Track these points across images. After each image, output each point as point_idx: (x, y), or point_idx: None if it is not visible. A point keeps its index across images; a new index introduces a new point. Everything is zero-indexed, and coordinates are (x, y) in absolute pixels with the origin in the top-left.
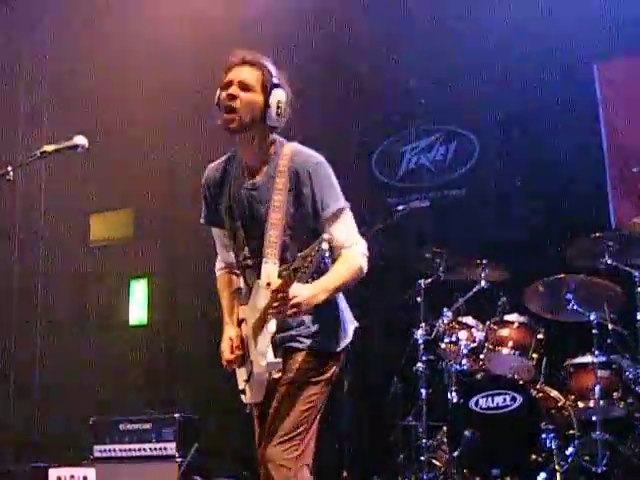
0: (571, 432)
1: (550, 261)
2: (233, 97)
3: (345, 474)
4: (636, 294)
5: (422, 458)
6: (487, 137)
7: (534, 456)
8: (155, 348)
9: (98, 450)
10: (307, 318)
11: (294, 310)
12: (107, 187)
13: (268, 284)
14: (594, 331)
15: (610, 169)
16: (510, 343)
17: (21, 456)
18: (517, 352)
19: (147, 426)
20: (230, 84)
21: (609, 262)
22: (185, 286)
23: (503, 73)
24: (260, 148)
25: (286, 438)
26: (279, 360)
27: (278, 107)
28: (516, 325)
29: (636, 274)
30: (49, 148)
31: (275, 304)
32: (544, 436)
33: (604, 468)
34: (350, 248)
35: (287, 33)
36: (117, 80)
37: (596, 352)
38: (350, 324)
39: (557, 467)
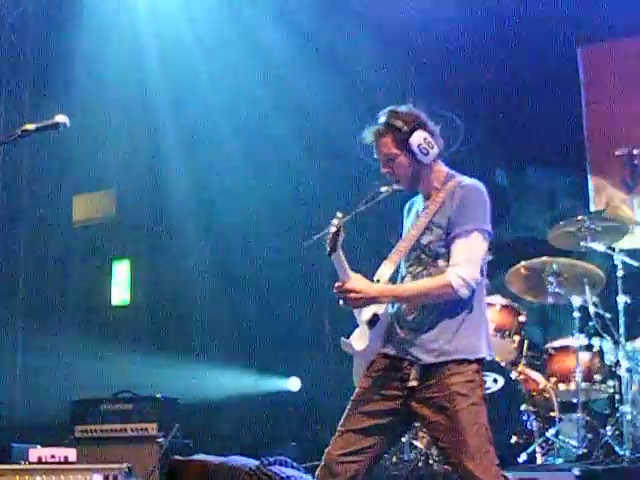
0: (552, 414)
1: (533, 244)
2: (389, 172)
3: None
4: (617, 277)
5: (403, 439)
6: (472, 122)
7: (515, 438)
8: (137, 328)
9: (79, 430)
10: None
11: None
12: (90, 168)
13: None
14: (575, 314)
15: (591, 152)
16: (492, 325)
17: (1, 436)
18: (499, 334)
19: (129, 407)
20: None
21: (591, 245)
22: (167, 266)
23: (487, 57)
24: (431, 181)
25: None
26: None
27: (421, 149)
28: (498, 307)
29: (617, 257)
30: (30, 127)
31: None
32: (525, 418)
33: (584, 450)
34: (452, 267)
35: None
36: (101, 61)
37: (577, 335)
38: None
39: (538, 449)
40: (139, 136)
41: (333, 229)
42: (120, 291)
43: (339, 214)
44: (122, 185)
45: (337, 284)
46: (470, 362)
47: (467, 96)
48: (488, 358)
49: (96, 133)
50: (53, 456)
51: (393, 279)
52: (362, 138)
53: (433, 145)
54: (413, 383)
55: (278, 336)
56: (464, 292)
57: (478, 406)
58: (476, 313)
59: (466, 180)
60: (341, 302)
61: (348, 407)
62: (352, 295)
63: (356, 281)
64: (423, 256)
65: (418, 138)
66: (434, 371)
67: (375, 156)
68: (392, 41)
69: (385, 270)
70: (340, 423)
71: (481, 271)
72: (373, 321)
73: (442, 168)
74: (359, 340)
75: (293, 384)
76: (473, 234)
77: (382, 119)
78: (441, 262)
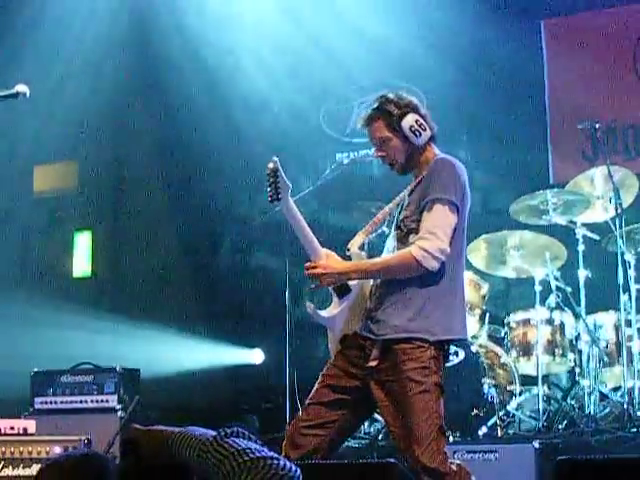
0: (512, 387)
1: (494, 218)
2: (382, 156)
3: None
4: (578, 251)
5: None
6: (435, 94)
7: (475, 410)
8: (99, 300)
9: (39, 402)
10: None
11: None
12: (52, 138)
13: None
14: (537, 287)
15: (552, 126)
16: None
17: None
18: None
19: (88, 378)
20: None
21: (552, 219)
22: (129, 238)
23: (450, 31)
24: (422, 163)
25: None
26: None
27: (414, 131)
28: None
29: (578, 231)
30: None
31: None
32: (486, 390)
33: (544, 423)
34: (416, 239)
35: None
36: (63, 29)
37: (538, 308)
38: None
39: (498, 421)
40: (103, 106)
41: (268, 172)
42: (81, 263)
43: (274, 158)
44: (84, 156)
45: (307, 264)
46: (428, 346)
47: (429, 69)
48: (460, 336)
49: (58, 103)
50: (12, 428)
51: (371, 252)
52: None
53: (425, 127)
54: (372, 363)
55: (241, 308)
56: (430, 264)
57: (430, 393)
58: (447, 291)
59: (445, 159)
60: (312, 285)
61: (318, 381)
62: (319, 271)
63: (324, 259)
64: (399, 232)
65: (410, 120)
66: (392, 352)
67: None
68: None
69: (357, 239)
70: (309, 396)
71: (451, 243)
72: (342, 291)
73: (434, 151)
74: (331, 309)
75: (256, 357)
76: (436, 205)
77: (374, 105)
78: (412, 237)
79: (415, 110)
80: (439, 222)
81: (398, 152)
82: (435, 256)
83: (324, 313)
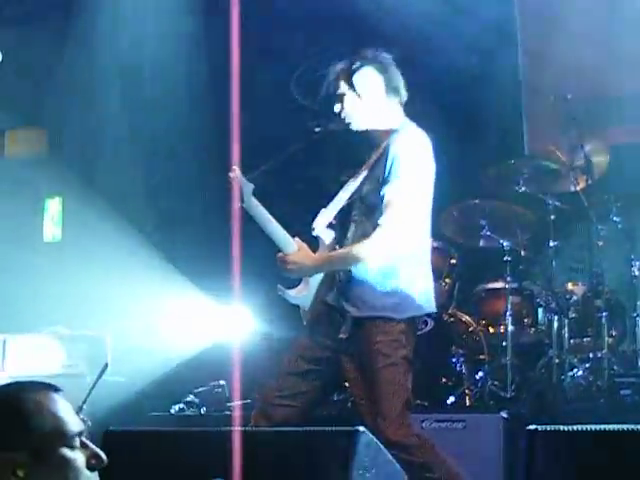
0: (481, 357)
1: (465, 187)
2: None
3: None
4: (548, 221)
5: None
6: (404, 63)
7: (444, 379)
8: (69, 264)
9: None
10: None
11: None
12: (23, 104)
13: None
14: (506, 257)
15: (526, 96)
16: None
17: None
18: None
19: (57, 344)
20: None
21: (523, 189)
22: (100, 205)
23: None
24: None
25: None
26: None
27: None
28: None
29: (549, 201)
30: None
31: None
32: (454, 360)
33: (513, 393)
34: (378, 227)
35: None
36: None
37: (508, 278)
38: None
39: (467, 391)
40: (75, 74)
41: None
42: (52, 228)
43: (234, 167)
44: (55, 123)
45: (279, 255)
46: (399, 321)
47: (400, 41)
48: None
49: (31, 70)
50: None
51: (339, 231)
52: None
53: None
54: (342, 335)
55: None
56: (395, 248)
57: (398, 366)
58: (413, 268)
59: (409, 129)
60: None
61: (289, 351)
62: (290, 267)
63: (295, 253)
64: (362, 206)
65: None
66: (362, 326)
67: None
68: None
69: (321, 219)
70: (280, 367)
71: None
72: None
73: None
74: (301, 288)
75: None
76: (402, 188)
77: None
78: (376, 214)
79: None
80: (404, 206)
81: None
82: (399, 243)
83: (293, 292)
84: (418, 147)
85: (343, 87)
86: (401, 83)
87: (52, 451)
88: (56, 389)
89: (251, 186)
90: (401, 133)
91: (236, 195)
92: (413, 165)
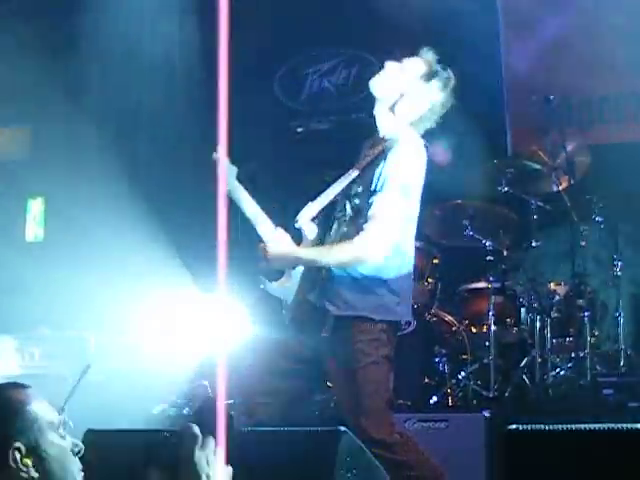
0: (464, 356)
1: (448, 187)
2: None
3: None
4: (531, 221)
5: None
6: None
7: (427, 379)
8: (51, 264)
9: None
10: None
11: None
12: (5, 103)
13: None
14: (489, 257)
15: (509, 96)
16: None
17: None
18: (412, 276)
19: (38, 345)
20: None
21: (506, 189)
22: (82, 206)
23: None
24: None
25: None
26: None
27: None
28: None
29: (532, 201)
30: None
31: None
32: (437, 360)
33: (495, 393)
34: (363, 232)
35: None
36: None
37: (491, 278)
38: None
39: (449, 391)
40: (60, 74)
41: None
42: (34, 228)
43: (218, 147)
44: (38, 123)
45: (260, 244)
46: (378, 321)
47: (385, 41)
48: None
49: (14, 69)
50: None
51: (322, 227)
52: None
53: None
54: (324, 334)
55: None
56: (376, 259)
57: (379, 365)
58: (396, 270)
59: (409, 138)
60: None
61: (273, 349)
62: (270, 256)
63: (276, 244)
64: (348, 206)
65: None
66: (343, 325)
67: None
68: None
69: (306, 212)
70: (263, 364)
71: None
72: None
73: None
74: (283, 280)
75: None
76: (389, 195)
77: None
78: (362, 217)
79: None
80: (389, 213)
81: None
82: (381, 251)
83: (275, 284)
84: (415, 160)
85: (409, 84)
86: None
87: (45, 438)
88: (24, 386)
89: (234, 169)
90: (401, 143)
91: (222, 178)
92: (406, 179)
